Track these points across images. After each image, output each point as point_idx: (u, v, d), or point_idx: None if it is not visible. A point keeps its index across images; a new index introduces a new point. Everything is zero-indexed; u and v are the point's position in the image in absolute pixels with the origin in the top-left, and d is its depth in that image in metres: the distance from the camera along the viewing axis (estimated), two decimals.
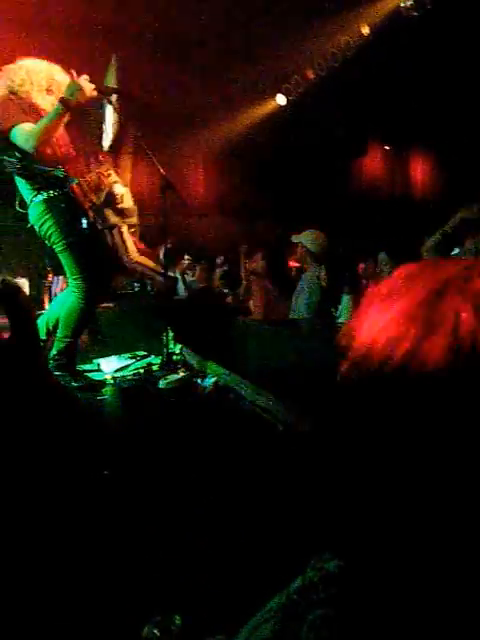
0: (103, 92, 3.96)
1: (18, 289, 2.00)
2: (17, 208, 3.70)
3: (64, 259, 3.60)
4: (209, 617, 1.15)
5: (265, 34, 7.67)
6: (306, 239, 4.85)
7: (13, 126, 3.38)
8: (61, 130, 3.63)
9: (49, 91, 3.64)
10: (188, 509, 1.82)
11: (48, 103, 3.60)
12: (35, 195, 3.54)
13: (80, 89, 3.40)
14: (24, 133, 3.36)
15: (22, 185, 3.61)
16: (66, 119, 3.47)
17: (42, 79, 3.60)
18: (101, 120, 10.18)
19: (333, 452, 0.56)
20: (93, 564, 1.42)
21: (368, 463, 0.49)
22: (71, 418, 1.99)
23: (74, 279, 3.59)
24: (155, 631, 1.01)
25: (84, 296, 3.58)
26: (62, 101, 3.37)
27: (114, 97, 3.99)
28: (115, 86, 8.78)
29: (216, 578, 1.44)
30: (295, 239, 5.00)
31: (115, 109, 4.05)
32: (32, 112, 3.48)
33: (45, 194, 3.51)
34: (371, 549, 0.46)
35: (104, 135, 10.74)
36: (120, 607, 1.28)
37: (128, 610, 1.24)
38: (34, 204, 3.56)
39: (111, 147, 10.91)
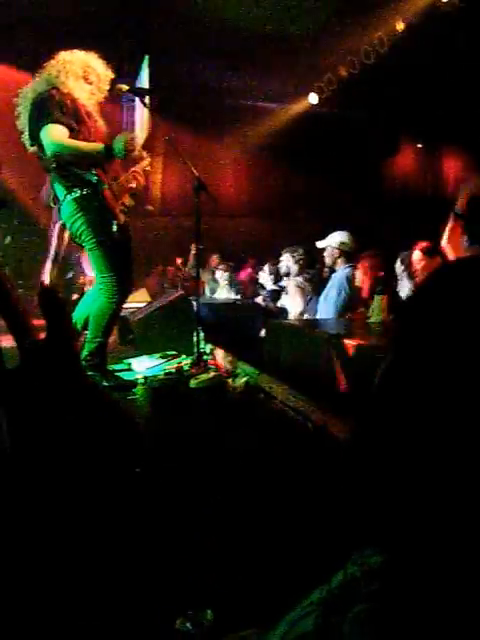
0: (135, 93, 3.99)
1: (55, 291, 2.00)
2: (51, 204, 3.75)
3: (93, 257, 3.63)
4: (240, 611, 1.15)
5: (297, 33, 7.64)
6: (334, 240, 4.90)
7: (47, 122, 3.38)
8: (97, 122, 3.65)
9: (86, 80, 3.64)
10: (220, 506, 1.82)
11: (86, 92, 3.61)
12: (68, 193, 3.56)
13: (130, 144, 3.46)
14: (54, 137, 3.37)
15: (56, 182, 3.63)
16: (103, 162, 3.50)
17: (77, 68, 3.59)
18: (132, 121, 10.31)
19: (377, 449, 0.56)
20: (127, 559, 1.43)
21: (413, 459, 0.49)
22: (105, 417, 2.00)
23: (102, 277, 3.61)
24: (188, 625, 1.02)
25: (112, 295, 3.61)
26: (107, 149, 3.41)
27: (147, 98, 3.99)
28: (147, 87, 8.88)
29: (247, 574, 1.44)
30: (321, 245, 5.06)
31: (148, 109, 4.04)
32: (70, 112, 3.47)
33: (78, 192, 3.52)
34: (416, 545, 0.46)
35: (136, 136, 10.82)
36: (154, 601, 1.28)
37: (162, 604, 1.25)
38: (67, 202, 3.58)
39: (143, 148, 10.98)
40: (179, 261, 10.18)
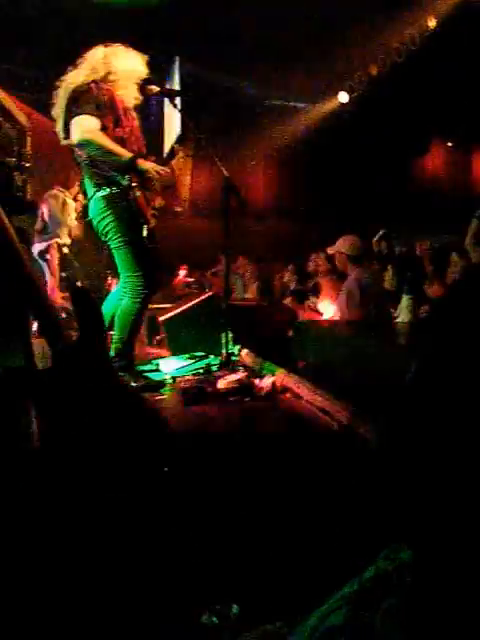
0: (166, 95, 4.02)
1: (88, 292, 2.05)
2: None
3: (118, 256, 3.64)
4: (265, 606, 1.16)
5: (328, 32, 7.61)
6: (342, 246, 4.96)
7: (80, 113, 3.35)
8: (134, 123, 3.67)
9: (126, 77, 3.62)
10: (246, 503, 1.84)
11: (125, 89, 3.61)
12: (97, 190, 3.55)
13: (157, 177, 3.51)
14: (84, 128, 3.33)
15: (86, 178, 3.63)
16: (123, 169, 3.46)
17: (118, 63, 3.58)
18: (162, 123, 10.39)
19: (409, 447, 0.57)
20: (156, 554, 1.45)
21: (448, 459, 0.50)
22: (134, 417, 2.03)
23: (127, 277, 3.63)
24: (214, 618, 1.04)
25: (137, 296, 3.61)
26: (132, 160, 3.41)
27: (177, 99, 4.02)
28: (178, 88, 8.93)
29: (273, 569, 1.45)
30: (331, 251, 5.10)
31: (179, 111, 4.05)
32: (106, 108, 3.45)
33: (106, 190, 3.52)
34: (448, 541, 0.47)
35: (165, 137, 10.95)
36: (181, 595, 1.30)
37: (188, 598, 1.27)
38: (95, 199, 3.57)
39: (171, 149, 11.10)
40: (216, 268, 10.19)
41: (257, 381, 3.54)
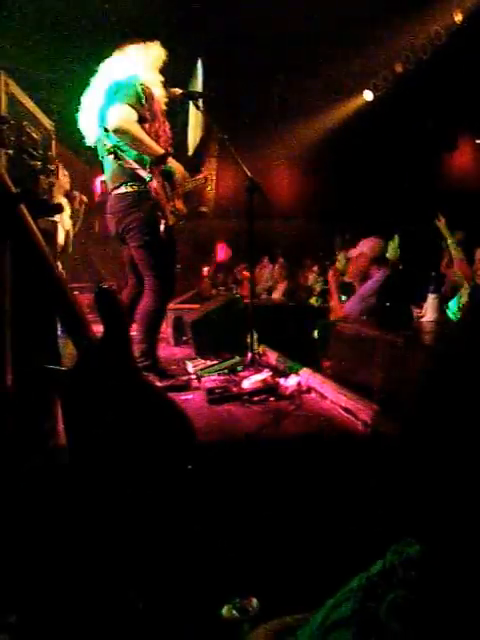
0: (190, 97, 4.04)
1: (113, 292, 2.08)
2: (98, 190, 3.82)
3: (139, 255, 3.65)
4: (285, 600, 1.16)
5: (351, 29, 7.56)
6: (365, 248, 4.94)
7: (121, 102, 3.33)
8: (165, 123, 3.69)
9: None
10: (267, 500, 1.85)
11: (160, 88, 3.64)
12: (121, 185, 3.54)
13: (181, 177, 3.59)
14: (123, 115, 3.30)
15: (109, 172, 3.62)
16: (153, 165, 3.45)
17: (158, 61, 3.66)
18: (186, 124, 10.44)
19: (424, 446, 0.57)
20: (179, 550, 1.47)
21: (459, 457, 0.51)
22: (160, 416, 2.05)
23: (147, 276, 3.64)
24: (234, 612, 1.05)
25: (157, 294, 3.62)
26: (163, 157, 3.45)
27: (200, 101, 4.04)
28: (200, 90, 8.98)
29: (295, 563, 1.46)
30: (354, 253, 5.08)
31: (202, 113, 4.07)
32: (146, 102, 3.46)
33: (134, 186, 3.50)
34: (455, 538, 0.47)
35: (189, 139, 11.01)
36: (202, 589, 1.31)
37: (209, 592, 1.28)
38: (119, 194, 3.56)
39: (196, 151, 11.15)
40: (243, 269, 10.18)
41: (282, 381, 3.54)
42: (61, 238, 5.90)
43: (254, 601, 1.09)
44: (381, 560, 0.50)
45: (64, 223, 5.69)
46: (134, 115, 3.36)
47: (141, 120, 3.41)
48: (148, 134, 3.44)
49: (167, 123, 3.75)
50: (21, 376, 2.03)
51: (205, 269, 11.17)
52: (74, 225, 5.94)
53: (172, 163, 3.57)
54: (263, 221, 9.75)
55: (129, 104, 3.35)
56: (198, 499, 1.72)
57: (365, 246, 4.96)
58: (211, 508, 1.69)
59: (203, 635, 1.11)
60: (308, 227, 11.55)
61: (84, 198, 6.07)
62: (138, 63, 3.57)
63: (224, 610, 1.07)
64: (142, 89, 3.45)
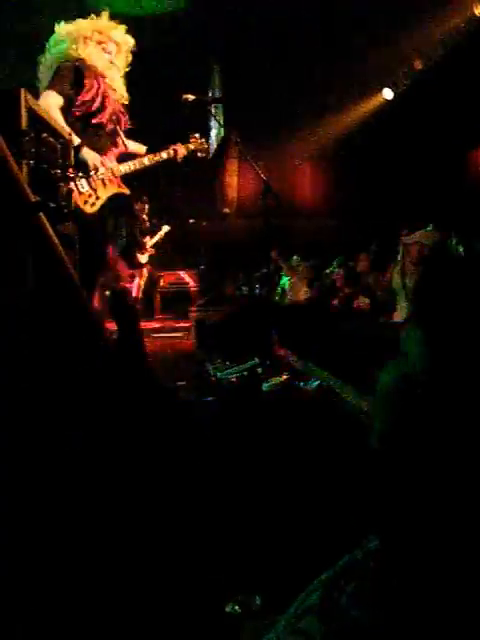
0: (202, 102, 4.05)
1: (125, 294, 2.10)
2: None
3: None
4: (289, 595, 1.18)
5: (368, 27, 7.51)
6: (423, 237, 4.86)
7: (45, 89, 3.21)
8: (119, 100, 3.49)
9: (101, 46, 3.43)
10: (278, 503, 1.86)
11: (103, 60, 3.40)
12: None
13: (93, 166, 3.30)
14: (43, 104, 2.99)
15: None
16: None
17: (87, 30, 3.38)
18: (207, 129, 10.50)
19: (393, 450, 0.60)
20: (189, 548, 1.49)
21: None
22: (173, 416, 2.07)
23: None
24: (236, 608, 1.07)
25: None
26: (76, 148, 3.12)
27: (214, 106, 4.06)
28: (218, 95, 9.02)
29: (296, 561, 1.47)
30: (409, 239, 4.98)
31: (216, 118, 4.09)
32: (87, 90, 3.29)
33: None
34: (410, 534, 0.51)
35: (210, 142, 11.07)
36: (206, 587, 1.33)
37: (214, 590, 1.30)
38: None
39: (217, 153, 11.20)
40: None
41: (302, 384, 3.54)
42: None
43: (257, 598, 1.12)
44: (349, 554, 0.53)
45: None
46: (58, 101, 3.22)
47: (70, 103, 3.28)
48: (82, 114, 3.32)
49: (119, 95, 3.54)
50: (41, 376, 2.08)
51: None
52: None
53: (87, 154, 3.31)
54: (286, 220, 9.77)
55: (56, 89, 3.23)
56: (209, 498, 1.74)
57: (424, 235, 4.90)
58: (220, 507, 1.71)
59: (207, 629, 1.14)
60: (330, 225, 11.51)
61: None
62: (72, 37, 3.37)
63: (228, 606, 1.10)
64: (72, 67, 3.31)
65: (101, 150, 3.42)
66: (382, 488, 0.56)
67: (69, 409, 2.12)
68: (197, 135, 3.81)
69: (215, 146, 11.07)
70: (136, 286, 7.49)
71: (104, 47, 3.47)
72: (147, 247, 7.78)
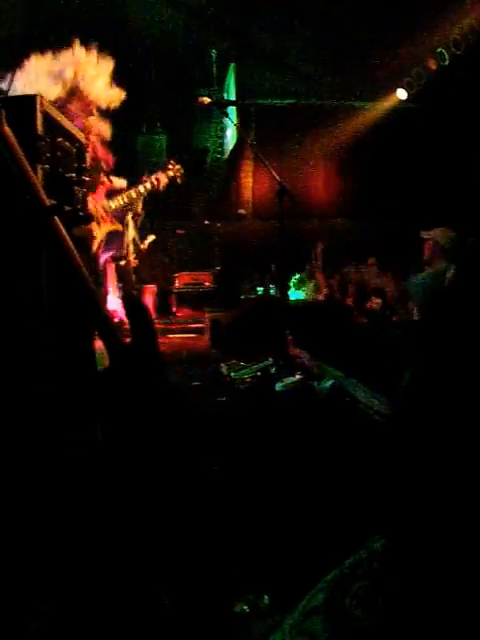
0: (218, 105, 4.10)
1: (138, 297, 2.15)
2: None
3: None
4: (297, 595, 1.20)
5: (381, 27, 7.50)
6: (438, 235, 4.83)
7: None
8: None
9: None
10: (289, 501, 1.88)
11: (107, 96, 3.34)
12: None
13: None
14: None
15: None
16: None
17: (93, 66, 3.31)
18: (223, 130, 10.53)
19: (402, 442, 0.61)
20: (198, 548, 1.51)
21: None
22: (188, 418, 2.11)
23: None
24: (245, 607, 1.09)
25: None
26: None
27: (230, 108, 4.10)
28: (233, 97, 9.04)
29: (305, 560, 1.49)
30: (426, 235, 4.94)
31: (230, 120, 4.14)
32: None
33: None
34: (416, 534, 0.51)
35: (226, 143, 11.10)
36: (216, 586, 1.36)
37: (223, 589, 1.32)
38: None
39: (232, 154, 11.23)
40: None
41: (315, 384, 3.55)
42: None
43: (265, 598, 1.14)
44: (355, 554, 0.54)
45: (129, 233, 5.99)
46: None
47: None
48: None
49: (96, 133, 3.50)
50: (58, 378, 2.12)
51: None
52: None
53: None
54: (301, 221, 9.76)
55: None
56: (222, 499, 1.76)
57: (439, 233, 4.88)
58: (233, 508, 1.73)
59: (217, 629, 1.16)
60: (347, 226, 11.48)
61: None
62: (39, 78, 3.22)
63: (237, 606, 1.12)
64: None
65: (90, 188, 3.44)
66: (392, 480, 0.57)
67: (81, 410, 2.16)
68: (173, 161, 3.99)
69: (231, 147, 11.10)
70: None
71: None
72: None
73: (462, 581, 0.48)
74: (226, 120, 10.60)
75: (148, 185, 3.79)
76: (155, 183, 3.80)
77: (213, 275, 10.32)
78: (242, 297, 8.49)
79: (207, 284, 10.18)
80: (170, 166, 3.95)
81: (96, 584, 1.46)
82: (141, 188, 3.72)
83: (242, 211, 12.63)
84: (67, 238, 2.11)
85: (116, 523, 1.64)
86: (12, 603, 1.40)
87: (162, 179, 3.82)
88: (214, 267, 10.61)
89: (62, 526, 1.65)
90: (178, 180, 3.99)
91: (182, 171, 4.04)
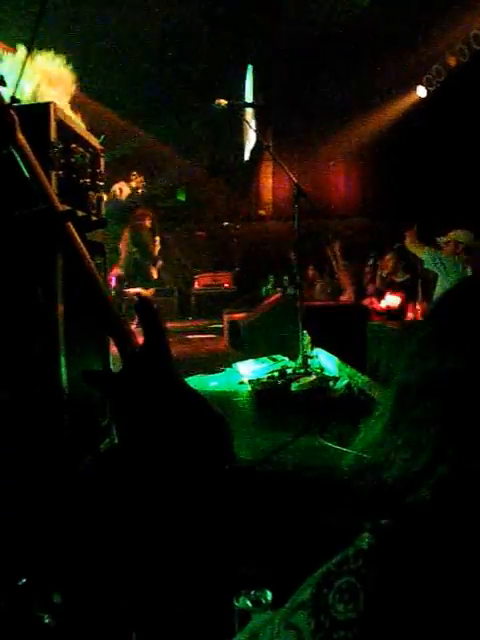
0: (234, 107, 4.13)
1: (149, 298, 2.21)
2: None
3: None
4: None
5: (400, 25, 7.46)
6: (457, 236, 4.88)
7: None
8: None
9: None
10: (293, 502, 1.89)
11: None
12: None
13: None
14: None
15: None
16: None
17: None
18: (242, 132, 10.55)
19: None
20: (203, 544, 1.54)
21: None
22: (201, 419, 2.14)
23: None
24: (248, 602, 1.12)
25: None
26: None
27: (248, 110, 4.15)
28: (251, 95, 9.07)
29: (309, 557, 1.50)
30: (446, 239, 5.00)
31: (246, 122, 4.18)
32: None
33: None
34: (401, 530, 0.53)
35: (246, 146, 11.13)
36: (217, 581, 1.39)
37: (224, 584, 1.35)
38: None
39: (252, 155, 11.25)
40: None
41: (331, 383, 3.57)
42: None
43: (267, 593, 1.15)
44: (342, 551, 0.56)
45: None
46: None
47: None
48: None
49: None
50: (75, 380, 2.17)
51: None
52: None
53: None
54: (322, 221, 9.74)
55: None
56: (231, 499, 1.79)
57: (457, 234, 4.93)
58: (241, 508, 1.76)
59: (219, 623, 1.19)
60: (367, 225, 11.43)
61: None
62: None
63: (238, 601, 1.14)
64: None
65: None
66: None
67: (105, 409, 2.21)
68: (135, 173, 4.13)
69: (250, 148, 11.14)
70: None
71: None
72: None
73: (446, 581, 0.50)
74: (246, 126, 10.64)
75: (111, 194, 3.97)
76: (118, 192, 4.00)
77: (233, 276, 10.36)
78: (261, 298, 8.52)
79: (226, 285, 10.22)
80: (133, 177, 4.17)
81: (105, 577, 1.50)
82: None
83: (262, 212, 12.65)
84: (79, 242, 2.17)
85: (125, 519, 1.68)
86: (24, 594, 1.44)
87: (125, 189, 4.01)
88: (234, 268, 10.65)
89: (74, 521, 1.70)
90: (139, 191, 4.23)
91: (144, 182, 4.26)
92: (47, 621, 1.38)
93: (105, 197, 3.87)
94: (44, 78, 3.27)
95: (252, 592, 1.14)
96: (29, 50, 1.97)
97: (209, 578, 1.40)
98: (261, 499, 1.96)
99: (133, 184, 4.16)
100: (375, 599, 0.50)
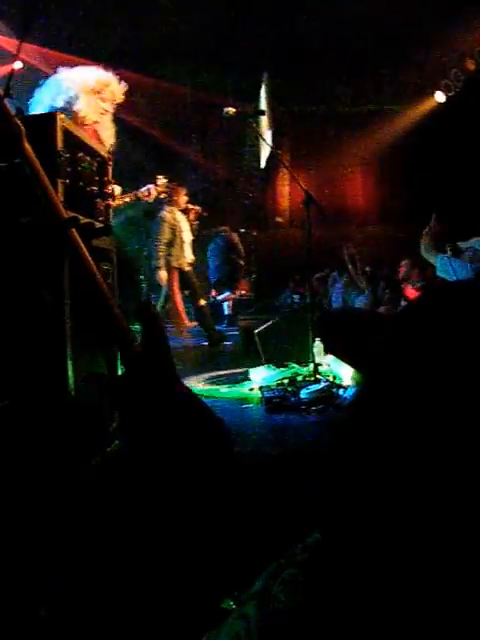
0: (243, 115, 4.16)
1: (150, 303, 2.23)
2: None
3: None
4: None
5: (418, 30, 7.43)
6: (476, 242, 4.80)
7: None
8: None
9: (99, 93, 3.24)
10: (295, 505, 1.89)
11: (96, 110, 3.22)
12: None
13: None
14: None
15: None
16: None
17: (88, 83, 3.20)
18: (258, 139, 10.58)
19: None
20: (201, 546, 1.55)
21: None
22: (202, 424, 2.15)
23: None
24: (231, 603, 1.12)
25: None
26: None
27: (260, 118, 4.17)
28: (265, 103, 9.10)
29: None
30: (465, 245, 4.92)
31: (256, 130, 4.21)
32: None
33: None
34: (347, 528, 0.53)
35: (261, 154, 11.16)
36: (204, 583, 1.39)
37: (210, 586, 1.35)
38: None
39: (268, 163, 11.28)
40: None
41: (340, 391, 3.55)
42: (188, 252, 6.40)
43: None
44: (292, 547, 0.58)
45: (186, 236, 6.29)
46: None
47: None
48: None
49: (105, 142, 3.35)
50: (82, 382, 2.20)
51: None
52: (192, 234, 6.56)
53: None
54: (340, 228, 9.71)
55: None
56: (237, 506, 1.79)
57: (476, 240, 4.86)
58: (246, 515, 1.75)
59: (204, 625, 1.19)
60: (384, 233, 11.38)
61: (198, 209, 6.68)
62: (74, 89, 3.16)
63: (225, 603, 1.14)
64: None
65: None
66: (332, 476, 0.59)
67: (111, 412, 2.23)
68: (161, 176, 4.20)
69: (266, 157, 11.17)
70: None
71: (103, 97, 3.31)
72: None
73: (385, 574, 0.50)
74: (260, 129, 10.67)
75: (139, 194, 4.05)
76: (146, 194, 4.07)
77: (250, 283, 10.38)
78: (277, 305, 8.52)
79: (244, 292, 10.24)
80: (159, 180, 4.24)
81: (103, 573, 1.51)
82: (128, 198, 3.95)
83: (279, 219, 12.66)
84: (83, 248, 2.20)
85: (127, 519, 1.69)
86: (21, 589, 1.46)
87: (153, 192, 4.09)
88: (251, 275, 10.66)
89: (75, 522, 1.71)
90: (162, 195, 4.32)
91: (169, 187, 4.35)
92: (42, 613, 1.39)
93: (128, 199, 3.99)
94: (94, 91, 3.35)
95: (236, 593, 1.14)
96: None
97: (209, 579, 1.40)
98: (264, 505, 1.95)
99: (160, 188, 4.26)
100: (313, 591, 0.51)
